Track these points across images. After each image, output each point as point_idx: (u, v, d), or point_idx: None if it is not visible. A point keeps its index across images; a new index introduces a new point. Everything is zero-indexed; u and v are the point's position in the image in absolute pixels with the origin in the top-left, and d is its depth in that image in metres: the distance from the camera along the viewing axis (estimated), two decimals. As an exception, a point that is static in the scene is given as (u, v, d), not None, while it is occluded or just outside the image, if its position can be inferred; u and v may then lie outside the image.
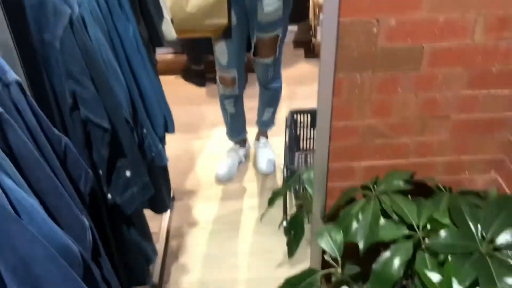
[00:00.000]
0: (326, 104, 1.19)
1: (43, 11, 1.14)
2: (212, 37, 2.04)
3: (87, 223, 1.00)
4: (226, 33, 1.98)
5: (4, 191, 0.80)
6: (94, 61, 1.26)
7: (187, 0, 1.82)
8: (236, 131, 2.36)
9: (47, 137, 1.00)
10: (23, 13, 1.13)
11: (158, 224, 2.14)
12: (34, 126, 0.95)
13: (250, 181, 2.42)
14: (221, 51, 2.03)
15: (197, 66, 3.20)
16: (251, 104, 2.44)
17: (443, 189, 1.31)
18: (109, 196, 1.40)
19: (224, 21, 1.86)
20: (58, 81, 1.22)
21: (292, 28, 3.49)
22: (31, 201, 0.87)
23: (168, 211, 2.22)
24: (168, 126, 1.75)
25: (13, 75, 0.91)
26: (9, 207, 0.80)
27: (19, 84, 0.92)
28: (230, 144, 2.46)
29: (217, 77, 2.13)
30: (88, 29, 1.27)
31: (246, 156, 2.48)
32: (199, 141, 2.72)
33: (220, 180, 2.34)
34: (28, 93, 0.97)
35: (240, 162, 2.44)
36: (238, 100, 2.21)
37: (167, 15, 1.80)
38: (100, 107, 1.27)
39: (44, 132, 0.99)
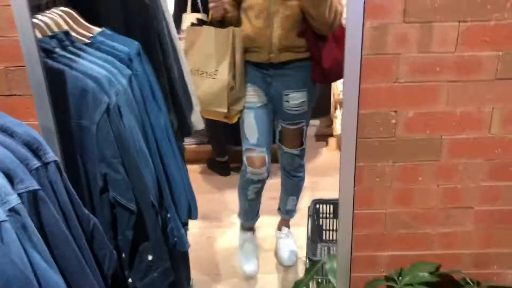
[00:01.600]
0: (348, 192, 1.22)
1: (84, 99, 1.24)
2: (243, 116, 2.07)
3: (107, 304, 1.00)
4: (258, 110, 2.02)
5: (31, 265, 0.82)
6: (126, 147, 1.33)
7: (199, 87, 1.93)
8: (252, 216, 2.35)
9: (77, 216, 1.04)
10: (65, 100, 1.23)
11: (175, 314, 2.07)
12: (67, 205, 1.00)
13: (271, 273, 2.37)
14: (251, 129, 2.04)
15: (221, 158, 3.29)
16: (270, 194, 2.46)
17: (470, 282, 1.26)
18: (130, 280, 1.40)
19: (223, 110, 1.94)
20: (91, 164, 1.28)
21: (314, 122, 3.61)
22: (56, 279, 0.89)
23: (187, 301, 2.17)
24: (192, 212, 1.78)
25: (53, 155, 0.97)
26: (35, 282, 0.82)
27: (56, 164, 0.98)
28: (242, 234, 2.44)
29: (244, 159, 2.11)
30: (123, 117, 1.36)
31: (257, 245, 2.46)
32: (220, 230, 2.71)
33: (250, 276, 2.27)
34: (63, 173, 1.03)
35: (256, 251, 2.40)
36: (262, 186, 2.21)
37: (196, 106, 1.91)
38: (128, 190, 1.32)
39: (75, 211, 1.03)
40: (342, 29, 1.93)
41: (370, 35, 1.09)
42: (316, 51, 1.89)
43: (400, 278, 1.25)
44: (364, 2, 1.05)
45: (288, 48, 1.90)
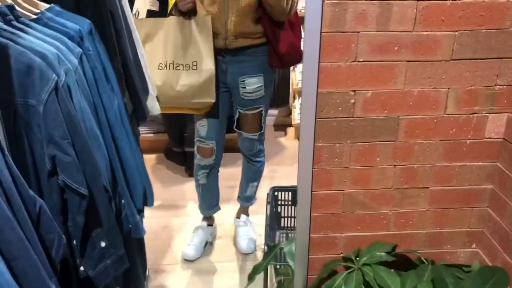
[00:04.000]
0: (307, 172, 1.20)
1: (30, 76, 1.17)
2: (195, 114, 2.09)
3: (55, 290, 0.94)
4: (207, 112, 2.03)
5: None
6: (77, 128, 1.27)
7: (177, 79, 1.88)
8: (208, 204, 2.33)
9: (22, 198, 0.97)
10: (9, 77, 1.15)
11: (131, 305, 2.01)
12: (9, 185, 0.93)
13: (230, 261, 2.35)
14: (202, 124, 2.08)
15: (178, 148, 3.24)
16: (230, 183, 2.44)
17: (425, 261, 1.29)
18: (82, 268, 1.33)
19: (212, 100, 1.92)
20: (39, 145, 1.21)
21: (273, 112, 3.61)
22: (-2, 264, 0.83)
23: (143, 291, 2.11)
24: (147, 198, 1.72)
25: (-6, 132, 0.90)
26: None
27: (-3, 142, 0.91)
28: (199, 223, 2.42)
29: (195, 147, 2.15)
30: (73, 97, 1.29)
31: (214, 237, 2.44)
32: (177, 219, 2.66)
33: (187, 259, 2.27)
34: (6, 152, 0.96)
35: (206, 243, 2.38)
36: (212, 171, 2.22)
37: (152, 91, 1.85)
38: (79, 173, 1.25)
39: (20, 192, 0.96)
40: (297, 15, 1.93)
41: (329, 12, 1.08)
42: (273, 36, 1.88)
43: (357, 258, 1.25)
44: (324, -22, 1.03)
45: (244, 34, 1.88)
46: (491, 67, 1.16)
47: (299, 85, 3.17)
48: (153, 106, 1.89)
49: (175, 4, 1.87)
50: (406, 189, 1.28)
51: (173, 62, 1.89)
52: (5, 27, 1.21)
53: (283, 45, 1.90)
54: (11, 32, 1.21)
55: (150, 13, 2.07)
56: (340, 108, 1.16)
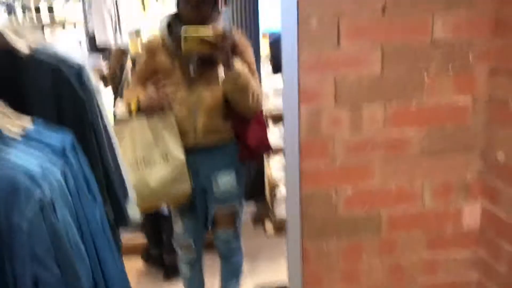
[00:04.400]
0: (296, 274, 1.20)
1: (15, 194, 1.16)
2: (172, 211, 2.07)
3: None
4: (182, 210, 2.03)
5: None
6: (61, 244, 1.24)
7: (149, 176, 1.89)
8: None
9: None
10: (-8, 197, 1.14)
11: None
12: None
13: None
14: (178, 224, 2.06)
15: (156, 250, 3.17)
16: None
17: None
18: None
19: (187, 188, 1.92)
20: (20, 263, 1.17)
21: (250, 206, 3.61)
22: None
23: None
24: (129, 309, 1.65)
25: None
26: None
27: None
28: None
29: (174, 242, 2.11)
30: (57, 212, 1.28)
31: None
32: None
33: None
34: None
35: None
36: (195, 264, 2.16)
37: (131, 195, 1.85)
38: (62, 291, 1.21)
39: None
40: (260, 110, 2.02)
41: (306, 118, 1.15)
42: (241, 132, 1.95)
43: None
44: (299, 89, 1.12)
45: (213, 132, 1.94)
46: (460, 160, 1.23)
47: (274, 178, 3.22)
48: (134, 212, 1.88)
49: (138, 105, 1.94)
50: (395, 282, 1.29)
51: (143, 158, 1.92)
52: (-10, 145, 1.23)
53: (252, 139, 1.96)
54: (-4, 150, 1.22)
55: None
56: (323, 208, 1.19)
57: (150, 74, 1.84)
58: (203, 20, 1.63)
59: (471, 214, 1.26)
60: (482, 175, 1.26)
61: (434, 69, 1.19)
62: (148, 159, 1.90)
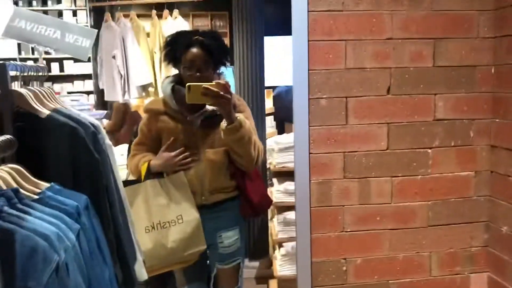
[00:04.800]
0: None
1: (33, 259, 1.19)
2: (176, 275, 2.07)
3: None
4: (187, 272, 2.04)
5: None
6: (73, 308, 1.26)
7: (167, 237, 1.91)
8: None
9: None
10: (12, 261, 1.17)
11: None
12: None
13: None
14: (182, 284, 2.05)
15: (159, 308, 3.11)
16: None
17: None
18: None
19: (203, 247, 1.93)
20: (34, 331, 1.19)
21: (254, 264, 3.59)
22: None
23: None
24: None
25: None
26: None
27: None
28: None
29: None
30: (70, 274, 1.30)
31: None
32: None
33: None
34: None
35: None
36: None
37: (139, 256, 1.87)
38: None
39: None
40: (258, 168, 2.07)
41: (316, 189, 1.20)
42: (245, 188, 1.99)
43: None
44: (309, 162, 1.18)
45: (219, 190, 1.98)
46: (464, 231, 1.28)
47: (279, 236, 3.23)
48: (141, 272, 1.89)
49: (148, 168, 1.99)
50: None
51: (159, 222, 1.94)
52: (11, 211, 1.27)
53: (255, 195, 1.99)
54: (16, 216, 1.26)
55: (125, 183, 2.16)
56: (334, 276, 1.22)
57: (152, 140, 1.90)
58: (205, 82, 1.72)
59: (477, 285, 1.29)
60: (487, 246, 1.30)
61: (437, 145, 1.26)
62: (164, 223, 1.93)
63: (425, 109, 1.25)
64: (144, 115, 1.94)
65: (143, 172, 1.99)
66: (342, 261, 1.23)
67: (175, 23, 3.53)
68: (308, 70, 1.21)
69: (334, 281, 1.23)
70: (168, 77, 1.84)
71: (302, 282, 1.20)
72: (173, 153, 1.84)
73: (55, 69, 5.06)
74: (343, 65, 1.21)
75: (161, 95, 1.87)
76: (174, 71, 1.74)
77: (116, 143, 2.90)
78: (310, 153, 1.22)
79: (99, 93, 4.20)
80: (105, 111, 3.82)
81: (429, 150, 1.26)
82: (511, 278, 1.24)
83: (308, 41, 1.20)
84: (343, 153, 1.23)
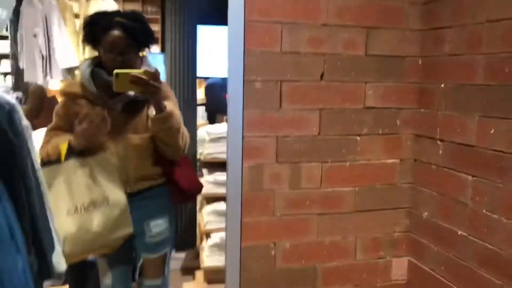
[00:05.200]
0: (234, 329, 1.20)
1: None
2: (99, 263, 1.98)
3: None
4: (111, 260, 1.96)
5: None
6: (-20, 299, 1.16)
7: (91, 221, 1.81)
8: None
9: None
10: None
11: None
12: None
13: None
14: (107, 275, 1.97)
15: (79, 303, 2.97)
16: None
17: None
18: None
19: (129, 230, 1.85)
20: None
21: (180, 255, 3.53)
22: None
23: None
24: None
25: None
26: None
27: None
28: None
29: None
30: (-22, 263, 1.20)
31: None
32: None
33: None
34: None
35: None
36: None
37: (58, 246, 1.76)
38: None
39: None
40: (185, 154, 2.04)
41: (249, 173, 1.19)
42: (173, 175, 1.95)
43: None
44: (242, 146, 1.16)
45: (144, 177, 1.92)
46: (388, 217, 1.33)
47: (207, 226, 3.20)
48: (59, 262, 1.78)
49: (70, 147, 1.87)
50: None
51: (83, 204, 1.83)
52: None
53: (185, 181, 1.95)
54: None
55: (44, 164, 2.04)
56: (262, 261, 1.22)
57: (69, 124, 1.78)
58: (127, 67, 1.63)
59: (398, 269, 1.35)
60: (408, 232, 1.35)
61: (366, 132, 1.29)
62: (88, 204, 1.82)
63: (356, 96, 1.27)
64: (60, 99, 1.82)
65: (63, 152, 1.86)
66: (271, 246, 1.23)
67: (104, 4, 3.37)
68: (244, 51, 1.19)
69: (262, 266, 1.23)
70: (86, 59, 1.74)
71: (230, 268, 1.18)
72: (78, 120, 1.70)
73: (-32, 45, 4.66)
74: (279, 48, 1.21)
75: None
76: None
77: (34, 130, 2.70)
78: (243, 137, 1.20)
79: (18, 74, 3.92)
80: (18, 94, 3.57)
81: (358, 138, 1.29)
82: (430, 262, 1.30)
83: (245, 21, 1.18)
84: (276, 138, 1.22)
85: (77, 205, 1.85)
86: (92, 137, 1.76)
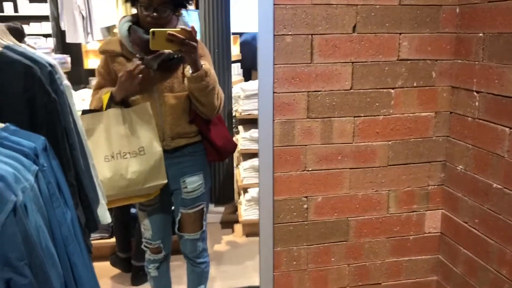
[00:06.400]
0: (268, 278, 1.25)
1: (-12, 200, 1.16)
2: (140, 216, 2.07)
3: None
4: (151, 213, 2.04)
5: None
6: (33, 248, 1.24)
7: (126, 167, 1.88)
8: None
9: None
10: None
11: None
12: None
13: None
14: (146, 227, 2.06)
15: (123, 254, 3.14)
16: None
17: None
18: None
19: (164, 181, 1.92)
20: (-7, 270, 1.17)
21: (219, 209, 3.64)
22: None
23: None
24: (100, 313, 1.66)
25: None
26: None
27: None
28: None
29: (143, 244, 2.11)
30: (29, 216, 1.28)
31: None
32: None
33: None
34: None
35: None
36: (162, 264, 2.17)
37: (102, 200, 1.85)
38: (35, 295, 1.21)
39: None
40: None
41: (279, 129, 1.20)
42: (208, 133, 1.98)
43: None
44: (273, 101, 1.17)
45: (180, 135, 1.96)
46: (422, 170, 1.31)
47: (244, 182, 3.26)
48: (104, 215, 1.88)
49: (111, 97, 1.93)
50: (361, 286, 1.35)
51: (120, 151, 1.90)
52: (-39, 150, 1.22)
53: (219, 139, 1.99)
54: (-32, 155, 1.22)
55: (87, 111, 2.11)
56: (295, 213, 1.25)
57: (112, 82, 1.83)
58: (163, 25, 1.64)
59: (432, 222, 1.35)
60: (442, 185, 1.34)
61: (400, 85, 1.26)
62: (124, 153, 1.89)
63: (390, 48, 1.24)
64: (100, 57, 1.85)
65: (105, 102, 1.92)
66: (304, 199, 1.25)
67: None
68: (274, 4, 1.17)
69: (295, 218, 1.26)
70: (124, 16, 1.75)
71: (264, 220, 1.22)
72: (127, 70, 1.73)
73: (8, 9, 4.77)
74: (309, 0, 1.18)
75: None
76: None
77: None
78: (274, 93, 1.21)
79: (59, 36, 4.01)
80: (66, 56, 3.66)
81: (392, 91, 1.27)
82: (464, 214, 1.30)
83: (274, -27, 1.16)
84: (307, 93, 1.22)
85: (114, 152, 1.92)
86: (130, 85, 1.79)
